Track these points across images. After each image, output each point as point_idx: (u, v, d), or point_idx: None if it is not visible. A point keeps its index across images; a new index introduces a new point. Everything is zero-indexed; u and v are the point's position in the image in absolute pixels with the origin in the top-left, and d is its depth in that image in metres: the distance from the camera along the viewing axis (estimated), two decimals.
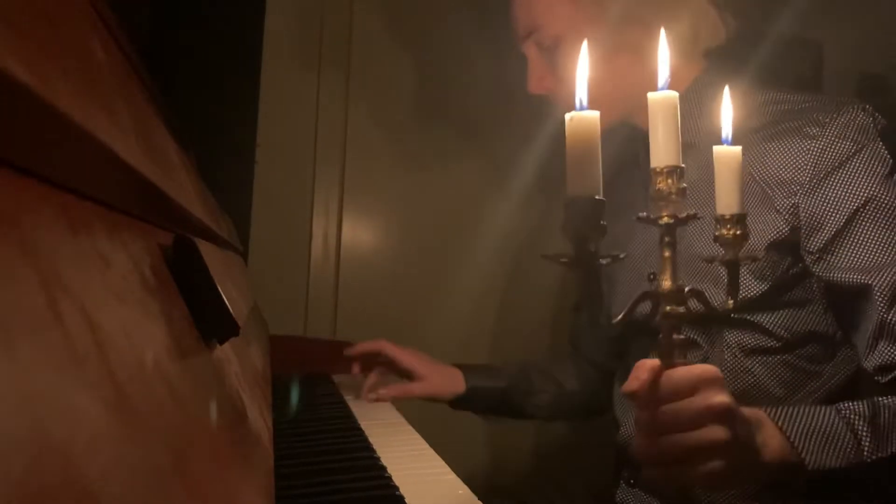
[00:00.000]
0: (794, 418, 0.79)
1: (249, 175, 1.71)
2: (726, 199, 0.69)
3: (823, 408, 0.82)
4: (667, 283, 0.64)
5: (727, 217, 0.69)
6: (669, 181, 0.62)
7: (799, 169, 0.94)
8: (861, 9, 1.69)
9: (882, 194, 0.91)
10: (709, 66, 1.08)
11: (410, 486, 0.72)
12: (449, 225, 1.80)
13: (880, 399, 0.84)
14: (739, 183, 0.69)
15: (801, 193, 0.94)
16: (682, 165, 0.62)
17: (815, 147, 0.94)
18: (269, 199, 1.72)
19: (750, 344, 0.99)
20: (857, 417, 0.81)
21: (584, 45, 0.62)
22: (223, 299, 0.47)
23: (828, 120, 0.95)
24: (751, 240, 0.72)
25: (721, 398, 0.67)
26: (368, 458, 0.83)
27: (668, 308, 0.64)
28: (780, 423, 0.78)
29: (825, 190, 0.93)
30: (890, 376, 0.89)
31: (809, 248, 0.94)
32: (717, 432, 0.66)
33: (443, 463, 0.85)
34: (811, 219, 0.94)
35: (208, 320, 0.46)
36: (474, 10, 1.77)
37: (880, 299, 0.88)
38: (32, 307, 0.22)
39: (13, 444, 0.18)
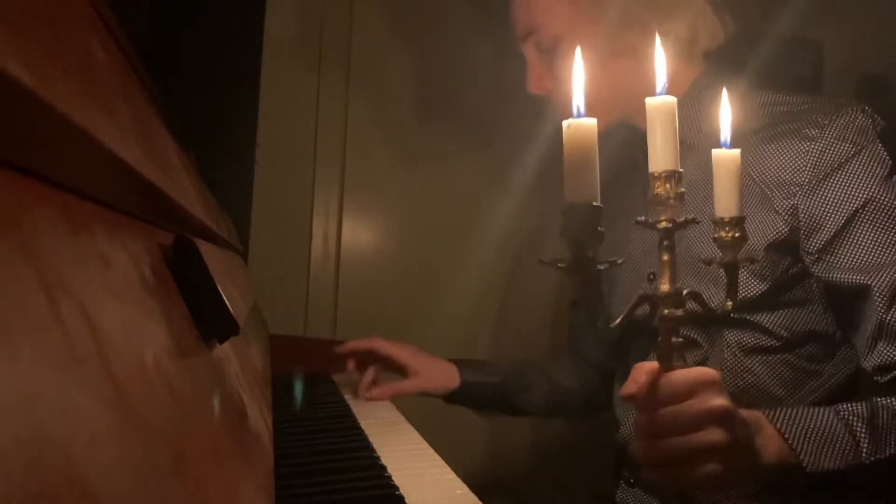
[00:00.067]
0: (792, 420, 0.79)
1: (249, 175, 1.71)
2: (725, 202, 0.69)
3: (822, 409, 0.82)
4: (665, 287, 0.64)
5: (726, 220, 0.69)
6: (668, 186, 0.62)
7: (798, 170, 0.95)
8: (861, 9, 1.69)
9: (881, 195, 0.92)
10: (708, 67, 1.08)
11: (410, 486, 0.72)
12: (449, 225, 1.80)
13: (879, 400, 0.84)
14: (738, 186, 0.69)
15: (801, 195, 0.94)
16: (681, 170, 0.63)
17: (814, 148, 0.94)
18: (269, 199, 1.72)
19: (750, 343, 0.99)
20: (855, 419, 0.81)
21: (578, 51, 0.63)
22: (223, 299, 0.48)
23: (827, 122, 0.95)
24: (750, 241, 0.72)
25: (719, 401, 0.67)
26: (368, 458, 0.83)
27: (665, 311, 0.65)
28: (778, 425, 0.79)
29: (824, 191, 0.93)
30: (889, 376, 0.89)
31: (809, 248, 0.95)
32: (715, 435, 0.67)
33: (443, 462, 0.85)
34: (810, 220, 0.94)
35: (208, 320, 0.47)
36: (474, 9, 1.78)
37: (879, 300, 0.88)
38: (33, 307, 0.22)
39: (13, 444, 0.18)
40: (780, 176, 0.96)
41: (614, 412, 1.20)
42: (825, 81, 1.69)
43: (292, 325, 1.68)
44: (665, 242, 0.64)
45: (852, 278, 0.91)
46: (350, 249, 1.79)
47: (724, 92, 0.72)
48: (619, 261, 0.64)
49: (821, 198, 0.93)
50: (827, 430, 0.80)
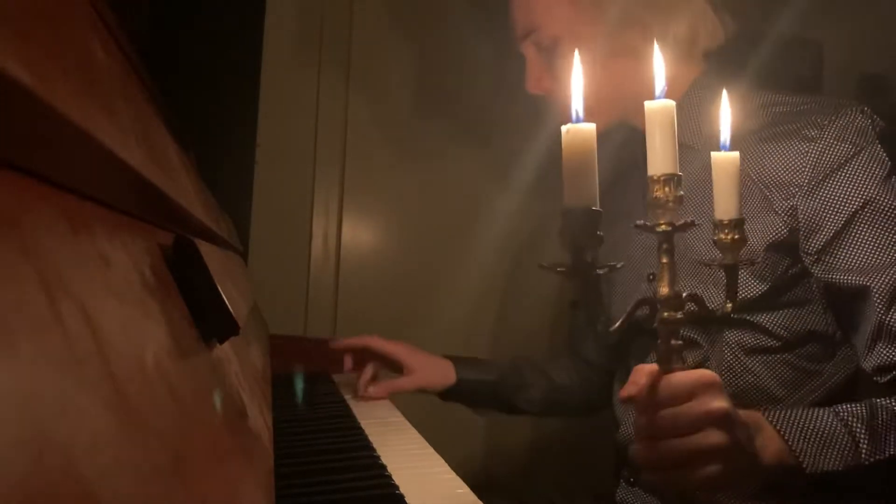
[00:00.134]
0: (791, 421, 0.79)
1: (249, 175, 1.71)
2: (724, 205, 0.69)
3: (821, 410, 0.82)
4: (664, 290, 0.65)
5: (725, 222, 0.69)
6: (667, 189, 0.62)
7: (797, 171, 0.95)
8: (861, 9, 1.69)
9: (880, 196, 0.92)
10: (708, 67, 1.08)
11: (410, 485, 0.72)
12: (449, 225, 1.80)
13: (878, 401, 0.84)
14: (737, 188, 0.69)
15: (800, 195, 0.94)
16: (680, 173, 0.63)
17: (813, 149, 0.94)
18: (269, 199, 1.72)
19: (750, 343, 0.99)
20: (854, 420, 0.81)
21: (577, 56, 0.63)
22: (223, 299, 0.48)
23: (826, 122, 0.95)
24: (750, 241, 0.72)
25: (719, 403, 0.67)
26: (368, 458, 0.83)
27: (665, 314, 0.65)
28: (777, 426, 0.79)
29: (824, 192, 0.93)
30: (889, 377, 0.89)
31: (808, 249, 0.95)
32: (715, 437, 0.67)
33: (443, 462, 0.85)
34: (810, 220, 0.94)
35: (208, 320, 0.47)
36: (474, 9, 1.78)
37: (879, 301, 0.88)
38: (33, 307, 0.22)
39: (13, 444, 0.18)
40: (779, 177, 0.96)
41: (614, 412, 1.20)
42: (825, 81, 1.69)
43: (292, 325, 1.68)
44: (664, 245, 0.64)
45: (852, 279, 0.91)
46: (350, 249, 1.79)
47: (724, 94, 0.72)
48: (619, 265, 0.65)
49: (820, 198, 0.93)
50: (826, 431, 0.80)
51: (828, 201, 0.93)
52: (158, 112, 0.63)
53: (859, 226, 0.91)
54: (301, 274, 1.75)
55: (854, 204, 0.92)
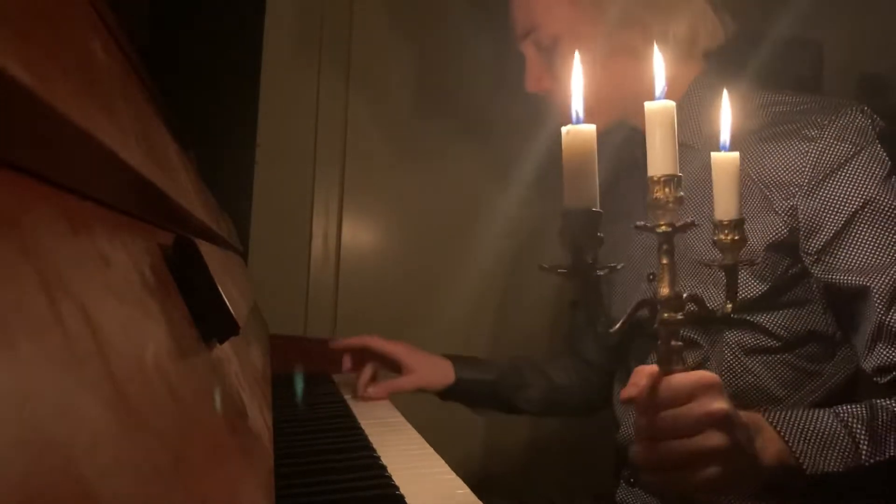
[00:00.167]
0: (792, 422, 0.79)
1: (249, 175, 1.71)
2: (724, 205, 0.69)
3: (821, 411, 0.82)
4: (665, 290, 0.65)
5: (725, 222, 0.69)
6: (667, 190, 0.63)
7: (798, 171, 0.95)
8: (861, 9, 1.69)
9: (880, 196, 0.92)
10: (708, 67, 1.08)
11: (410, 486, 0.72)
12: (449, 225, 1.80)
13: (878, 401, 0.84)
14: (737, 188, 0.69)
15: (800, 195, 0.94)
16: (680, 174, 0.63)
17: (813, 149, 0.94)
18: (269, 199, 1.72)
19: (750, 343, 0.99)
20: (854, 421, 0.81)
21: (577, 57, 0.63)
22: (223, 299, 0.48)
23: (826, 122, 0.95)
24: (750, 241, 0.72)
25: (720, 404, 0.67)
26: (368, 458, 0.83)
27: (665, 315, 0.65)
28: (778, 428, 0.79)
29: (824, 192, 0.93)
30: (889, 377, 0.89)
31: (808, 249, 0.95)
32: (715, 438, 0.67)
33: (443, 462, 0.85)
34: (810, 221, 0.94)
35: (208, 320, 0.47)
36: (474, 9, 1.78)
37: (879, 301, 0.88)
38: (33, 307, 0.22)
39: (13, 444, 0.18)
40: (779, 176, 0.96)
41: (614, 412, 1.20)
42: (825, 81, 1.69)
43: (292, 325, 1.68)
44: (664, 246, 0.64)
45: (852, 279, 0.91)
46: (350, 249, 1.79)
47: (725, 94, 0.72)
48: (619, 266, 0.65)
49: (820, 198, 0.93)
50: (826, 432, 0.80)
51: (828, 201, 0.93)
52: (158, 112, 0.63)
53: (859, 226, 0.91)
54: (301, 274, 1.75)
55: (854, 204, 0.92)
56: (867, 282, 0.89)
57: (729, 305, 0.72)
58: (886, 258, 0.90)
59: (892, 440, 0.80)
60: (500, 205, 1.78)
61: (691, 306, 0.67)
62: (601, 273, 0.62)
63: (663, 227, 0.64)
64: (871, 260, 0.90)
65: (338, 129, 1.77)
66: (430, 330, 1.62)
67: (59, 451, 0.20)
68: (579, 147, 0.61)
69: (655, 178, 0.63)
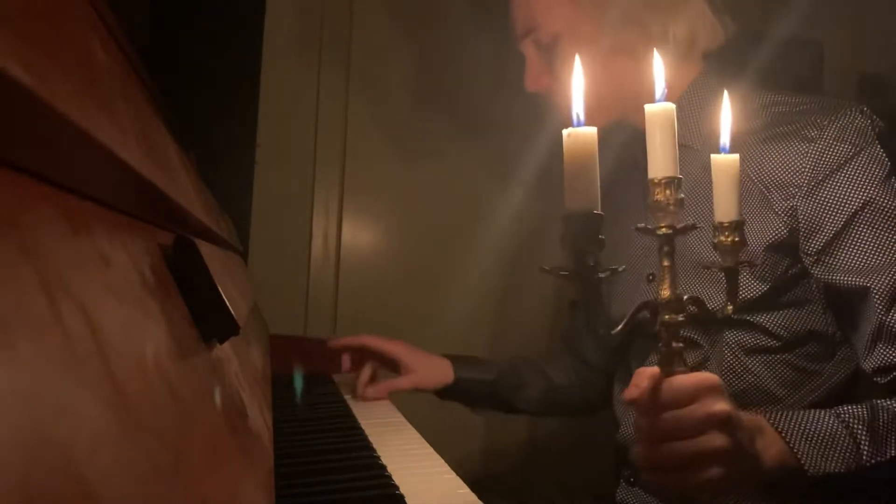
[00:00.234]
0: (793, 423, 0.79)
1: (249, 175, 1.71)
2: (724, 207, 0.69)
3: (822, 412, 0.83)
4: (666, 292, 0.65)
5: (725, 224, 0.69)
6: (667, 192, 0.63)
7: (797, 171, 0.95)
8: (861, 9, 1.69)
9: (880, 197, 0.92)
10: (707, 67, 1.08)
11: (411, 486, 0.72)
12: (449, 225, 1.80)
13: (879, 402, 0.84)
14: (737, 190, 0.70)
15: (800, 196, 0.94)
16: (680, 176, 0.63)
17: (813, 150, 0.94)
18: (269, 199, 1.72)
19: (750, 343, 0.99)
20: (855, 421, 0.81)
21: (578, 60, 0.63)
22: (223, 299, 0.48)
23: (826, 123, 0.95)
24: (749, 242, 0.72)
25: (721, 406, 0.67)
26: (368, 458, 0.83)
27: (667, 317, 0.65)
28: (779, 429, 0.79)
29: (823, 193, 0.93)
30: (889, 378, 0.89)
31: (808, 250, 0.95)
32: (717, 439, 0.67)
33: (443, 462, 0.85)
34: (809, 221, 0.94)
35: (208, 320, 0.47)
36: (474, 9, 1.78)
37: (878, 301, 0.88)
38: (33, 307, 0.22)
39: (13, 444, 0.18)
40: (779, 177, 0.96)
41: (614, 412, 1.20)
42: (825, 81, 1.69)
43: (292, 325, 1.68)
44: (665, 248, 0.65)
45: (851, 280, 0.91)
46: (350, 249, 1.79)
47: (726, 96, 0.72)
48: (621, 268, 0.65)
49: (820, 199, 0.93)
50: (828, 433, 0.80)
51: (827, 202, 0.93)
52: (158, 112, 0.63)
53: (859, 226, 0.91)
54: (301, 274, 1.75)
55: (854, 205, 0.92)
56: (867, 282, 0.89)
57: (730, 307, 0.72)
58: (886, 259, 0.90)
59: (892, 440, 0.80)
60: (500, 205, 1.78)
61: (692, 307, 0.67)
62: (603, 276, 0.62)
63: (664, 230, 0.64)
64: (870, 260, 0.90)
65: (338, 129, 1.78)
66: (430, 330, 1.61)
67: (59, 452, 0.20)
68: (580, 150, 0.61)
69: (656, 181, 0.63)
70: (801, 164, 0.94)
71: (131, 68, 0.53)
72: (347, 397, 1.21)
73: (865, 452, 0.80)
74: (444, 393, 1.28)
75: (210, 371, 0.45)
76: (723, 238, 0.69)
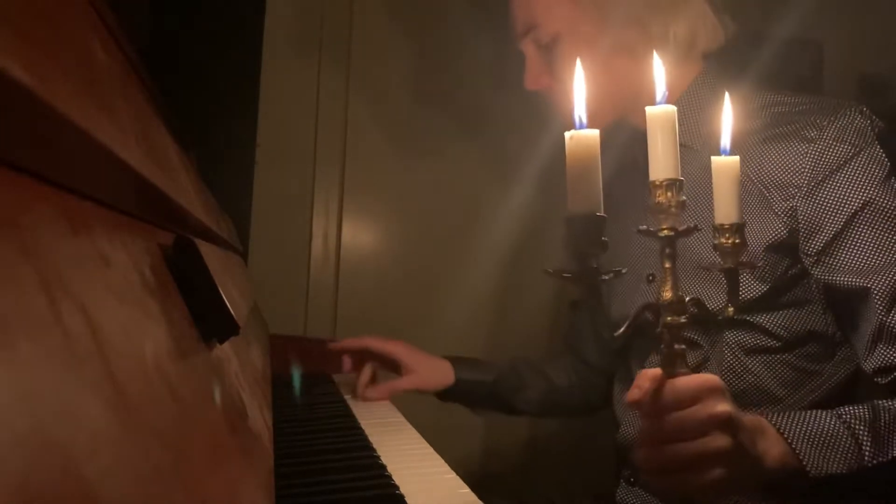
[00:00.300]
0: (794, 424, 0.79)
1: (249, 175, 1.71)
2: (725, 209, 0.70)
3: (824, 413, 0.83)
4: (668, 294, 0.65)
5: (726, 226, 0.69)
6: (669, 194, 0.63)
7: (797, 172, 0.95)
8: (861, 9, 1.70)
9: (880, 197, 0.92)
10: (707, 67, 1.08)
11: (411, 486, 0.72)
12: (449, 225, 1.80)
13: (880, 402, 0.84)
14: (737, 192, 0.70)
15: (800, 196, 0.94)
16: (681, 178, 0.63)
17: (812, 150, 0.94)
18: (269, 199, 1.72)
19: (750, 344, 0.99)
20: (857, 422, 0.81)
21: (579, 63, 0.63)
22: (223, 299, 0.48)
23: (825, 123, 0.95)
24: (749, 242, 0.72)
25: (723, 407, 0.67)
26: (368, 458, 0.83)
27: (669, 318, 0.65)
28: (780, 430, 0.79)
29: (823, 193, 0.93)
30: (889, 378, 0.89)
31: (808, 250, 0.95)
32: (719, 441, 0.67)
33: (443, 462, 0.85)
34: (809, 222, 0.94)
35: (208, 320, 0.47)
36: (474, 8, 1.78)
37: (879, 302, 0.88)
38: (33, 307, 0.22)
39: (13, 444, 0.18)
40: (778, 177, 0.96)
41: (614, 412, 1.20)
42: (825, 81, 1.69)
43: (292, 325, 1.68)
44: (667, 250, 0.65)
45: (851, 280, 0.91)
46: (350, 249, 1.79)
47: (727, 97, 0.72)
48: (623, 270, 0.65)
49: (819, 200, 0.93)
50: (829, 434, 0.80)
51: (827, 202, 0.93)
52: (158, 112, 0.63)
53: (859, 227, 0.91)
54: (301, 274, 1.75)
55: (853, 205, 0.92)
56: (867, 283, 0.89)
57: (730, 309, 0.72)
58: (886, 259, 0.90)
59: (894, 441, 0.80)
60: (501, 205, 1.78)
61: (693, 308, 0.67)
62: (606, 278, 0.62)
63: (665, 232, 0.64)
64: (870, 261, 0.90)
65: (338, 129, 1.78)
66: (430, 330, 1.62)
67: (60, 452, 0.20)
68: (583, 152, 0.61)
69: (657, 183, 0.63)
70: (800, 164, 0.94)
71: (131, 68, 0.53)
72: (347, 397, 1.21)
73: (867, 453, 0.80)
74: (444, 394, 1.28)
75: (210, 371, 0.45)
76: (723, 240, 0.69)
